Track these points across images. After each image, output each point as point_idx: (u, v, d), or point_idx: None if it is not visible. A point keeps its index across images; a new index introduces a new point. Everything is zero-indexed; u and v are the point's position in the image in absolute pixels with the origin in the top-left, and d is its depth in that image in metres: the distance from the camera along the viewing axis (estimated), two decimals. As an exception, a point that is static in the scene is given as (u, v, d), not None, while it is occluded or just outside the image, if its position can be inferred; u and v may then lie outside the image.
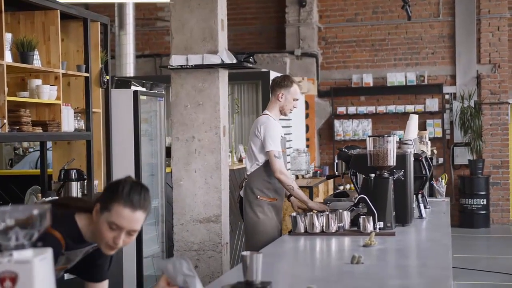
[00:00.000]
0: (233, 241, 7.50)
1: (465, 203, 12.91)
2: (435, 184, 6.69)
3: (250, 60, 6.02)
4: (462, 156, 13.19)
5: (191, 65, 5.79)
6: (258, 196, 5.41)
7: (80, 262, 2.94)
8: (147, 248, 6.95)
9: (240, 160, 9.01)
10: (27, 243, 1.81)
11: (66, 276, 4.78)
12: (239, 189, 5.68)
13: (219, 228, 5.88)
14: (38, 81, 5.38)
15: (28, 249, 1.81)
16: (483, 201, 12.83)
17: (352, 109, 13.51)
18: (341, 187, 11.85)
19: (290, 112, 5.68)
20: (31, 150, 8.91)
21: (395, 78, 13.37)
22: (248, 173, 5.50)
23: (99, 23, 6.27)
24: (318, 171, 11.40)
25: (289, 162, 10.53)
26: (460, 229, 12.70)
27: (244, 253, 2.81)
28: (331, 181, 12.04)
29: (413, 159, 4.98)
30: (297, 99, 5.60)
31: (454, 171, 13.35)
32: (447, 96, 13.36)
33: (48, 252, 1.84)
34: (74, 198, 2.82)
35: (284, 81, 5.53)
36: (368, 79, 13.49)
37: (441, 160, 13.16)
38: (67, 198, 3.21)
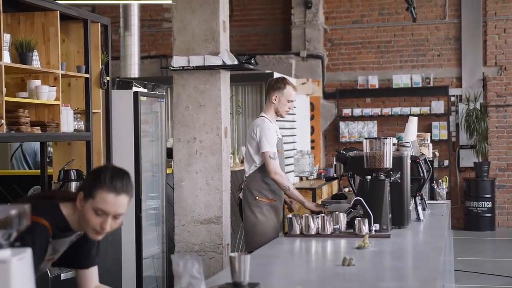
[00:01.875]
0: (234, 242, 7.51)
1: (470, 205, 12.88)
2: (435, 187, 6.67)
3: (252, 61, 6.03)
4: (468, 159, 13.15)
5: (193, 66, 5.80)
6: (257, 197, 5.47)
7: (67, 251, 3.00)
8: (147, 249, 6.96)
9: (242, 162, 9.01)
10: (5, 243, 1.82)
11: (64, 276, 4.81)
12: (238, 191, 5.72)
13: (220, 229, 5.88)
14: (37, 82, 5.40)
15: (6, 249, 1.82)
16: (488, 204, 12.79)
17: (357, 111, 13.50)
18: (346, 189, 11.86)
19: (287, 114, 5.72)
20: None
21: (401, 80, 13.35)
22: (246, 175, 5.58)
23: (99, 24, 6.29)
24: (323, 173, 11.39)
25: (292, 164, 10.54)
26: (465, 231, 12.68)
27: (232, 254, 2.82)
28: (335, 183, 12.02)
29: (411, 161, 4.97)
30: (291, 101, 5.62)
31: (459, 174, 13.32)
32: (453, 99, 13.33)
33: (27, 252, 1.85)
34: (59, 190, 2.90)
35: (278, 83, 5.60)
36: (374, 81, 13.48)
37: (446, 162, 13.13)
38: (52, 191, 3.27)
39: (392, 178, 4.66)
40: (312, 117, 13.00)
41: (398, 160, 4.71)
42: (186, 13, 5.88)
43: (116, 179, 2.80)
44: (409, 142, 5.37)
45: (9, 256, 1.80)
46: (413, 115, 12.41)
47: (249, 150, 5.59)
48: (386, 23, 13.61)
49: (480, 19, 13.18)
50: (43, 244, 2.82)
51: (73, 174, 5.69)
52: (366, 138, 4.64)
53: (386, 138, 4.58)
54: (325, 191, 9.90)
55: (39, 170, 6.21)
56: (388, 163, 4.55)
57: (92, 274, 3.14)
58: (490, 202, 12.81)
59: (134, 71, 11.41)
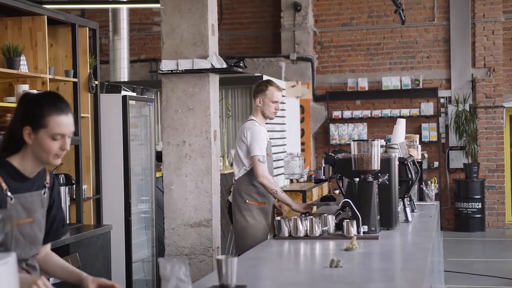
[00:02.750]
0: (224, 245, 7.51)
1: (460, 206, 12.92)
2: (424, 188, 6.69)
3: (241, 64, 6.04)
4: (457, 160, 13.20)
5: (182, 70, 5.81)
6: (247, 201, 5.51)
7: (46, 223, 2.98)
8: (137, 253, 6.95)
9: (232, 165, 9.02)
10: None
11: (51, 280, 4.80)
12: (227, 194, 5.73)
13: (210, 232, 5.89)
14: (25, 86, 5.39)
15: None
16: (478, 205, 12.84)
17: (347, 113, 13.53)
18: (337, 191, 11.87)
19: (274, 115, 5.76)
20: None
21: (390, 82, 13.39)
22: (236, 178, 5.63)
23: (87, 28, 6.29)
24: (313, 175, 11.41)
25: (282, 166, 10.55)
26: (455, 232, 12.72)
27: (219, 257, 2.83)
28: (325, 185, 12.04)
29: (399, 163, 4.99)
30: (276, 102, 5.67)
31: (449, 175, 13.36)
32: (442, 100, 13.37)
33: (11, 257, 1.85)
34: None
35: (260, 86, 5.70)
36: (364, 83, 13.51)
37: (436, 164, 13.17)
38: None
39: (380, 180, 4.67)
40: (302, 120, 13.02)
41: (386, 162, 4.73)
42: (175, 17, 5.88)
43: (58, 101, 2.85)
44: (397, 144, 5.39)
45: (-7, 261, 1.80)
46: (402, 117, 12.49)
47: (238, 153, 5.63)
48: (375, 26, 13.65)
49: (469, 21, 13.24)
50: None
51: (62, 179, 5.68)
52: (354, 140, 4.65)
53: (374, 140, 4.60)
54: (315, 193, 9.92)
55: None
56: (376, 165, 4.57)
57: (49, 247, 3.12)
58: (480, 203, 12.86)
59: (123, 75, 11.40)
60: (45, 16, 5.57)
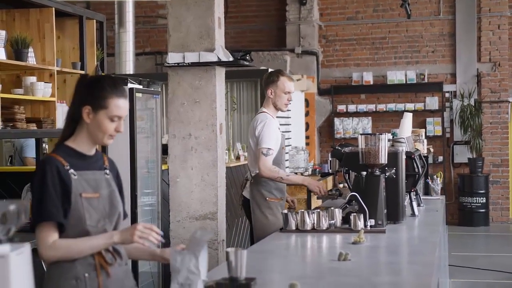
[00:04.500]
0: (229, 238, 7.52)
1: (464, 201, 12.92)
2: (430, 182, 6.69)
3: (247, 58, 6.03)
4: (462, 155, 13.19)
5: (188, 63, 5.80)
6: (267, 198, 5.41)
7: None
8: (143, 245, 6.95)
9: (238, 158, 9.03)
10: (4, 238, 1.83)
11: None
12: (241, 190, 5.62)
13: (215, 225, 5.89)
14: (33, 78, 5.40)
15: (5, 244, 1.83)
16: (482, 200, 12.84)
17: (352, 107, 13.52)
18: (341, 185, 11.87)
19: (286, 107, 5.61)
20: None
21: (395, 76, 13.38)
22: (253, 174, 5.48)
23: (94, 20, 6.29)
24: (318, 169, 11.40)
25: (287, 160, 10.55)
26: (459, 227, 12.72)
27: (228, 249, 2.83)
28: (330, 179, 12.04)
29: (406, 157, 4.99)
30: (288, 92, 5.52)
31: (454, 169, 13.36)
32: (447, 95, 13.37)
33: (26, 247, 1.86)
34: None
35: (270, 77, 5.55)
36: (368, 77, 13.50)
37: (440, 158, 13.17)
38: None
39: (387, 174, 4.67)
40: (307, 113, 13.02)
41: (393, 156, 4.72)
42: (181, 10, 5.88)
43: (119, 85, 3.00)
44: (404, 138, 5.39)
45: (8, 251, 1.81)
46: (407, 111, 12.44)
47: (252, 148, 5.50)
48: (380, 20, 13.63)
49: (474, 15, 13.21)
50: (54, 172, 2.90)
51: (68, 171, 5.67)
52: (361, 134, 4.65)
53: (381, 134, 4.59)
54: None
55: (34, 167, 6.21)
56: (383, 158, 4.56)
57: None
58: (484, 198, 12.85)
59: (129, 67, 11.40)
60: (53, 8, 5.58)
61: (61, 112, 5.66)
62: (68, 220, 2.91)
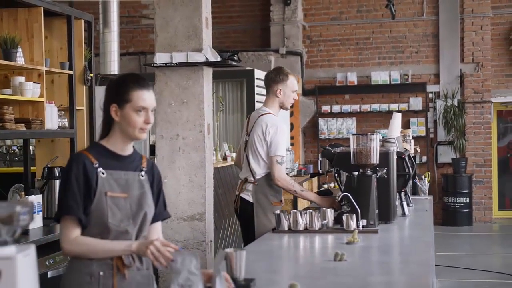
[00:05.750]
0: (217, 239, 7.51)
1: (448, 201, 13.00)
2: (418, 182, 6.72)
3: (235, 58, 6.03)
4: (446, 155, 13.27)
5: (175, 63, 5.78)
6: (273, 202, 5.20)
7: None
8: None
9: (225, 158, 9.01)
10: (10, 239, 1.81)
11: (50, 273, 4.78)
12: (237, 191, 5.32)
13: (203, 226, 5.88)
14: (22, 78, 5.35)
15: (11, 246, 1.81)
16: (466, 199, 12.92)
17: (336, 108, 13.56)
18: (325, 185, 11.90)
19: (291, 105, 5.40)
20: (14, 148, 8.87)
21: (379, 76, 13.43)
22: (257, 177, 5.19)
23: (83, 20, 6.25)
24: (303, 169, 11.44)
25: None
26: (443, 227, 12.80)
27: (228, 250, 2.83)
28: (315, 179, 12.08)
29: (396, 157, 5.00)
30: (295, 91, 5.30)
31: (437, 170, 13.43)
32: (430, 95, 13.43)
33: (32, 249, 1.84)
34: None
35: (279, 76, 5.24)
36: (353, 78, 13.54)
37: (424, 158, 13.24)
38: None
39: (378, 174, 4.68)
40: (291, 114, 13.04)
41: (384, 156, 4.74)
42: (169, 10, 5.86)
43: (140, 79, 3.05)
44: (394, 138, 5.40)
45: (14, 253, 1.79)
46: (391, 111, 12.52)
47: (258, 151, 5.16)
48: (364, 20, 13.68)
49: (458, 16, 13.30)
50: (80, 168, 2.96)
51: (57, 171, 5.64)
52: (353, 134, 4.65)
53: (373, 134, 4.60)
54: (305, 187, 9.93)
55: (22, 168, 6.17)
56: (375, 159, 4.58)
57: (158, 229, 3.24)
58: (468, 198, 12.94)
59: (113, 68, 11.33)
60: (41, 8, 5.53)
61: (50, 113, 5.61)
62: (90, 216, 2.96)
